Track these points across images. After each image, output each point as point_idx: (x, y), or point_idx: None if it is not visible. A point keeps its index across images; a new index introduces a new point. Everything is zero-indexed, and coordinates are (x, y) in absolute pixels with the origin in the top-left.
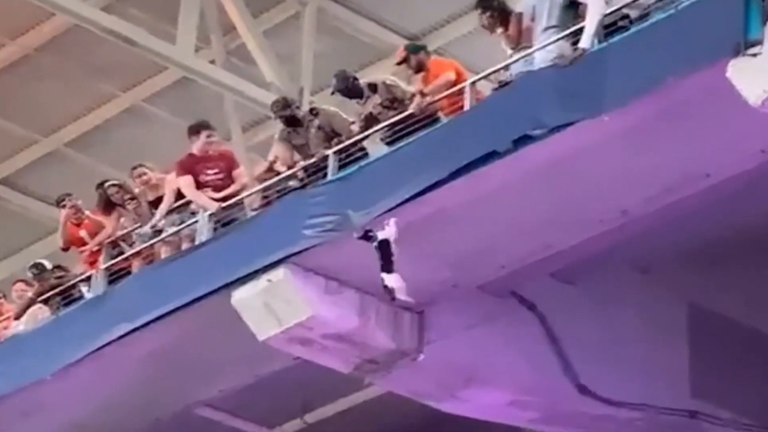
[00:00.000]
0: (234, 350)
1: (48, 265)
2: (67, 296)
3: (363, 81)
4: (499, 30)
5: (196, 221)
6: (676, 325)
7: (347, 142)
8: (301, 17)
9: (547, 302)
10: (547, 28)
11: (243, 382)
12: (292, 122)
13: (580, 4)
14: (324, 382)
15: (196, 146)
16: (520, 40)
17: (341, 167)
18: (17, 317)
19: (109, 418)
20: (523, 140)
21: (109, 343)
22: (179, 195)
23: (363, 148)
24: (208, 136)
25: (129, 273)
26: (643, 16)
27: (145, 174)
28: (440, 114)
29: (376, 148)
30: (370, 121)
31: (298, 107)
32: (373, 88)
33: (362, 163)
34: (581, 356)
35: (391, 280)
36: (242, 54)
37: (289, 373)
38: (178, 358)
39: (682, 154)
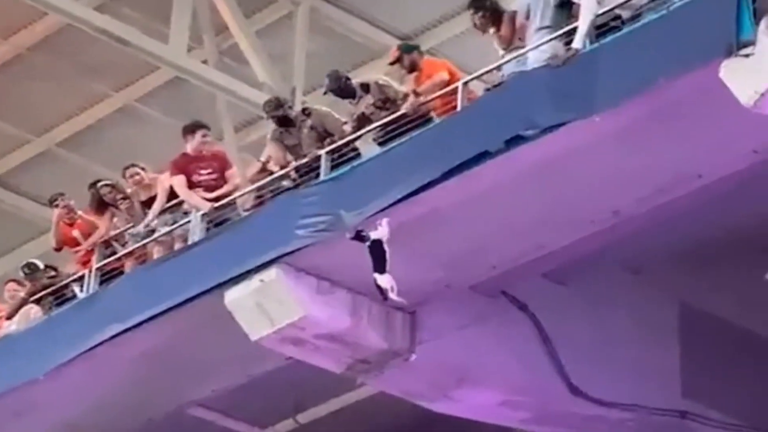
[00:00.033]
0: (226, 350)
1: (40, 265)
2: (60, 296)
3: (355, 81)
4: (491, 30)
5: (189, 221)
6: (668, 325)
7: (339, 143)
8: (294, 17)
9: (538, 302)
10: (540, 29)
11: (235, 382)
12: (285, 122)
13: (574, 4)
14: (316, 382)
15: (191, 146)
16: (512, 40)
17: (333, 167)
18: (9, 317)
19: (101, 418)
20: (516, 140)
21: (101, 343)
22: (172, 195)
23: (355, 149)
24: (203, 136)
25: (121, 273)
26: (635, 17)
27: (137, 174)
28: (432, 114)
29: (368, 148)
30: (362, 121)
31: (290, 107)
32: (365, 88)
33: (354, 163)
34: (573, 356)
35: (384, 280)
36: (235, 54)
37: (282, 373)
38: (170, 358)
39: (674, 154)
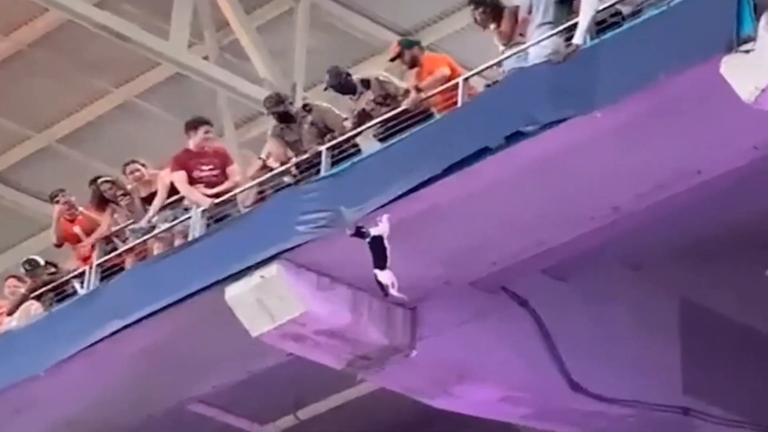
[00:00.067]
0: (227, 346)
1: (41, 261)
2: (60, 292)
3: (356, 77)
4: (492, 26)
5: (189, 217)
6: (668, 321)
7: (340, 139)
8: (294, 13)
9: (539, 299)
10: (541, 24)
11: (236, 378)
12: (285, 118)
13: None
14: (317, 379)
15: (193, 141)
16: (513, 36)
17: (334, 163)
18: (10, 313)
19: (101, 414)
20: (516, 137)
21: (101, 340)
22: (173, 191)
23: (356, 145)
24: (206, 132)
25: (122, 269)
26: (635, 13)
27: (137, 170)
28: (433, 110)
29: (368, 144)
30: (363, 117)
31: (291, 103)
32: (366, 84)
33: (355, 159)
34: (573, 352)
35: (384, 276)
36: (235, 50)
37: (282, 369)
38: (170, 354)
39: (674, 150)
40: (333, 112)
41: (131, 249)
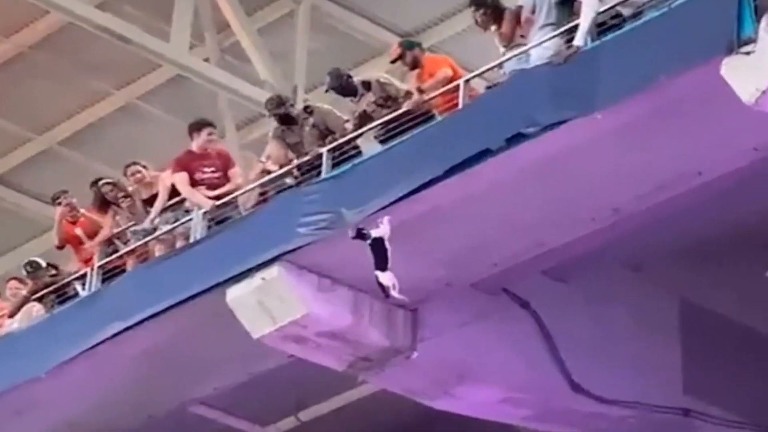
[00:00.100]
0: (228, 348)
1: (42, 263)
2: (62, 294)
3: (357, 79)
4: (493, 27)
5: (191, 219)
6: (668, 322)
7: (341, 140)
8: (295, 15)
9: (539, 300)
10: (544, 26)
11: (237, 380)
12: (287, 120)
13: (575, 1)
14: (318, 380)
15: (197, 143)
16: (513, 38)
17: (335, 165)
18: (11, 315)
19: (103, 416)
20: (517, 138)
21: (103, 341)
22: (174, 192)
23: (357, 146)
24: (209, 134)
25: (123, 271)
26: (636, 15)
27: (138, 172)
28: (434, 112)
29: (369, 146)
30: (363, 119)
31: (292, 105)
32: (366, 86)
33: (356, 161)
34: (574, 354)
35: (385, 277)
36: (236, 52)
37: (283, 371)
38: (172, 356)
39: (675, 151)
40: (334, 114)
41: (132, 251)
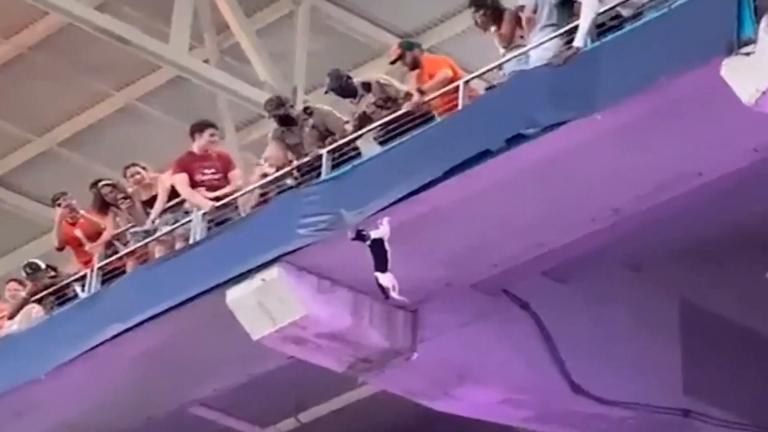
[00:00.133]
0: (228, 349)
1: (42, 264)
2: (61, 296)
3: (356, 80)
4: (493, 28)
5: (190, 220)
6: (669, 322)
7: (341, 142)
8: (295, 16)
9: (539, 300)
10: (545, 26)
11: (237, 381)
12: (286, 121)
13: (575, 2)
14: (318, 381)
15: (198, 144)
16: (513, 39)
17: (335, 166)
18: (11, 317)
19: (102, 417)
20: (516, 139)
21: (102, 343)
22: (173, 193)
23: (356, 148)
24: (211, 135)
25: (123, 272)
26: (636, 15)
27: (138, 173)
28: (434, 113)
29: (369, 147)
30: (363, 120)
31: (291, 106)
32: (366, 87)
33: (356, 162)
34: (574, 354)
35: (385, 278)
36: (236, 53)
37: (283, 372)
38: (172, 357)
39: (675, 152)
40: (334, 115)
41: (132, 252)
